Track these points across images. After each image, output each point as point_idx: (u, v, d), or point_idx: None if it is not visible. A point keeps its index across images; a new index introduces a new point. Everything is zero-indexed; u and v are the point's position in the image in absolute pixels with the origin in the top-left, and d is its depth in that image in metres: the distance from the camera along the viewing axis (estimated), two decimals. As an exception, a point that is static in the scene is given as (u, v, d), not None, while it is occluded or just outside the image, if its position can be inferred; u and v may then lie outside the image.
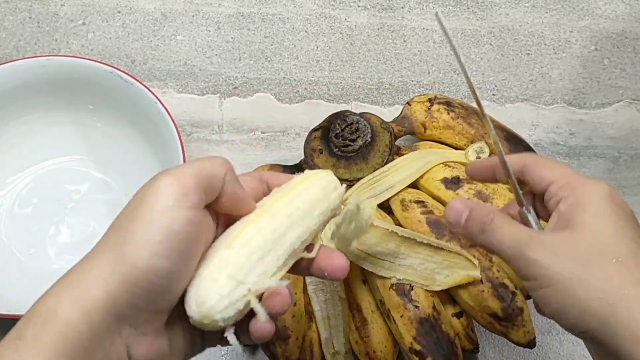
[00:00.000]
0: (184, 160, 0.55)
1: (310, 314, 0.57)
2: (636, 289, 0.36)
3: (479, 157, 0.59)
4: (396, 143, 0.61)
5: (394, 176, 0.57)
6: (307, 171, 0.43)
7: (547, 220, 0.42)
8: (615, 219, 0.39)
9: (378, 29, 0.72)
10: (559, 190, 0.41)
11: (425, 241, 0.54)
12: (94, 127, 0.64)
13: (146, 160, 0.62)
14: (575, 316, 0.37)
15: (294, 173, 0.59)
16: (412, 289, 0.54)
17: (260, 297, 0.37)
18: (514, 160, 0.44)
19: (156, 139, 0.59)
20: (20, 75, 0.59)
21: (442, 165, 0.58)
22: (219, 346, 0.61)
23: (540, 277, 0.38)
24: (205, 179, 0.36)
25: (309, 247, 0.41)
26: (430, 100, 0.62)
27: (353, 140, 0.58)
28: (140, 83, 0.58)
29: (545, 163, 0.43)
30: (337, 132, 0.58)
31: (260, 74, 0.70)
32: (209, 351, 0.58)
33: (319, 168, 0.58)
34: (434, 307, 0.54)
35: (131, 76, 0.58)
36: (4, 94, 0.60)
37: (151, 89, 0.58)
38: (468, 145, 0.60)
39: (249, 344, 0.60)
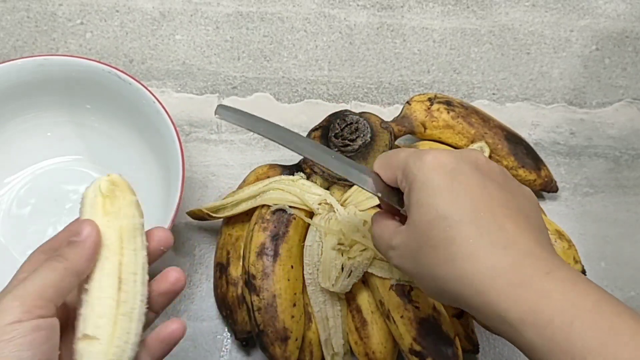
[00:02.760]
0: (183, 161, 0.55)
1: (309, 315, 0.56)
2: (469, 263, 0.38)
3: (479, 157, 0.59)
4: (396, 143, 0.60)
5: (394, 176, 0.57)
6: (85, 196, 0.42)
7: None
8: (441, 195, 0.40)
9: (377, 28, 0.72)
10: (401, 183, 0.43)
11: (425, 241, 0.54)
12: (92, 126, 0.64)
13: (145, 160, 0.62)
14: (436, 297, 0.42)
15: (292, 173, 0.59)
16: (412, 290, 0.53)
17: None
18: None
19: (155, 138, 0.59)
20: (17, 75, 0.59)
21: (442, 165, 0.58)
22: (217, 347, 0.60)
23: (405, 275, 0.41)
24: (50, 290, 0.38)
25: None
26: (430, 99, 0.61)
27: (353, 140, 0.58)
28: (139, 82, 0.58)
29: (389, 157, 0.44)
30: (337, 131, 0.58)
31: (259, 74, 0.70)
32: (206, 352, 0.58)
33: (318, 167, 0.58)
34: (434, 308, 0.53)
35: (129, 75, 0.58)
36: (1, 94, 0.59)
37: (150, 88, 0.58)
38: (468, 145, 0.60)
39: (243, 339, 0.60)
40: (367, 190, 0.44)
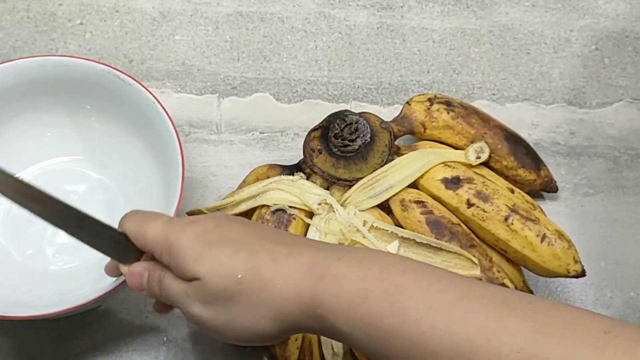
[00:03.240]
0: (183, 162, 0.55)
1: (309, 315, 0.56)
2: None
3: (479, 157, 0.59)
4: (396, 143, 0.60)
5: (394, 176, 0.57)
6: None
7: None
8: (210, 255, 0.41)
9: (377, 28, 0.72)
10: (161, 257, 0.43)
11: (425, 241, 0.54)
12: (92, 127, 0.63)
13: (145, 161, 0.62)
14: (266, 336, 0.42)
15: (292, 173, 0.59)
16: (412, 290, 0.53)
17: None
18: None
19: (155, 139, 0.59)
20: (17, 76, 0.59)
21: (442, 165, 0.58)
22: (214, 348, 0.60)
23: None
24: None
25: None
26: (429, 99, 0.61)
27: (352, 140, 0.58)
28: (139, 83, 0.57)
29: (144, 231, 0.44)
30: (337, 132, 0.58)
31: (259, 74, 0.70)
32: (203, 353, 0.58)
33: (318, 168, 0.58)
34: (434, 308, 0.53)
35: (129, 76, 0.58)
36: (1, 94, 0.59)
37: (149, 89, 0.58)
38: (468, 145, 0.60)
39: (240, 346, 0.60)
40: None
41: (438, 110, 0.61)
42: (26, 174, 0.63)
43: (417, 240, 0.54)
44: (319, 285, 0.39)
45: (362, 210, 0.56)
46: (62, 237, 0.61)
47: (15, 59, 0.58)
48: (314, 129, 0.59)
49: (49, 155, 0.64)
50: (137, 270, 0.45)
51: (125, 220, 0.45)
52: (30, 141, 0.63)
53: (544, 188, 0.63)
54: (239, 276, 0.40)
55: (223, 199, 0.60)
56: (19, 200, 0.42)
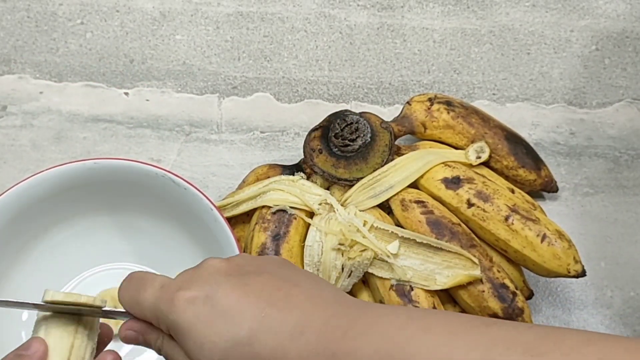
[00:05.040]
0: None
1: (309, 315, 0.56)
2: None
3: (479, 157, 0.59)
4: (396, 143, 0.60)
5: (394, 176, 0.57)
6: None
7: None
8: (218, 325, 0.38)
9: (378, 28, 0.72)
10: (159, 325, 0.41)
11: (425, 241, 0.54)
12: (143, 230, 0.61)
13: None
14: None
15: (293, 173, 0.59)
16: (412, 290, 0.53)
17: None
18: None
19: (211, 245, 0.56)
20: (67, 180, 0.56)
21: (442, 165, 0.58)
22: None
23: None
24: None
25: None
26: (430, 99, 0.61)
27: (353, 140, 0.58)
28: (195, 188, 0.54)
29: (138, 300, 0.41)
30: (337, 131, 0.58)
31: (260, 74, 0.70)
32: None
33: (318, 168, 0.58)
34: (434, 308, 0.53)
35: (185, 180, 0.54)
36: (51, 199, 0.57)
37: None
38: (468, 145, 0.60)
39: None
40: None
41: (438, 110, 0.61)
42: (76, 282, 0.61)
43: (418, 240, 0.54)
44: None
45: (363, 210, 0.56)
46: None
47: (63, 164, 0.55)
48: (315, 129, 0.59)
49: (98, 260, 0.61)
50: (130, 334, 0.43)
51: (120, 292, 0.43)
52: (78, 246, 0.61)
53: (544, 188, 0.63)
54: None
55: (223, 198, 0.60)
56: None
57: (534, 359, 0.33)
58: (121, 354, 0.56)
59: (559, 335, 0.35)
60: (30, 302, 0.43)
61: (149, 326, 0.42)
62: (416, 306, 0.53)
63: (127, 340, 0.43)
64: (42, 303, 0.42)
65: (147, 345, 0.43)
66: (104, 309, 0.43)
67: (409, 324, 0.37)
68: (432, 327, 0.36)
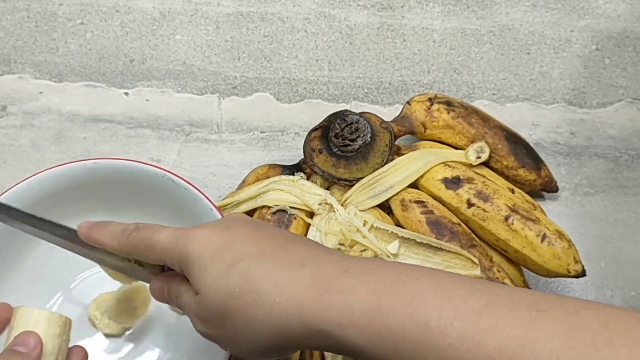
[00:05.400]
0: None
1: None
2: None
3: (479, 157, 0.59)
4: (396, 143, 0.60)
5: (394, 176, 0.57)
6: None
7: None
8: (225, 249, 0.40)
9: (378, 28, 0.72)
10: (171, 264, 0.42)
11: (425, 241, 0.54)
12: None
13: None
14: (257, 353, 0.41)
15: (293, 173, 0.59)
16: (412, 290, 0.53)
17: None
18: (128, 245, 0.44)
19: None
20: (67, 179, 0.56)
21: (442, 165, 0.58)
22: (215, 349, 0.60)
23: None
24: None
25: None
26: (430, 99, 0.61)
27: (353, 140, 0.58)
28: (194, 187, 0.54)
29: (151, 243, 0.43)
30: (337, 131, 0.58)
31: (260, 74, 0.70)
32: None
33: (318, 168, 0.58)
34: (434, 308, 0.53)
35: (185, 180, 0.54)
36: (50, 199, 0.56)
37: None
38: (468, 145, 0.60)
39: None
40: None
41: (438, 110, 0.61)
42: (77, 282, 0.61)
43: (417, 240, 0.54)
44: (322, 301, 0.37)
45: (363, 210, 0.56)
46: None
47: (64, 164, 0.55)
48: (315, 129, 0.59)
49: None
50: (157, 285, 0.44)
51: (132, 238, 0.44)
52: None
53: (544, 188, 0.63)
54: (236, 290, 0.38)
55: (223, 198, 0.60)
56: (41, 233, 0.46)
57: (539, 314, 0.34)
58: (121, 354, 0.57)
59: (559, 297, 0.35)
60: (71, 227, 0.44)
61: (175, 274, 0.43)
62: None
63: (156, 293, 0.45)
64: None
65: (169, 296, 0.44)
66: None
67: (408, 274, 0.38)
68: (436, 277, 0.37)
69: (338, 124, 0.58)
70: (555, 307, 0.34)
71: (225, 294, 0.39)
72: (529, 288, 0.59)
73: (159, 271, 0.46)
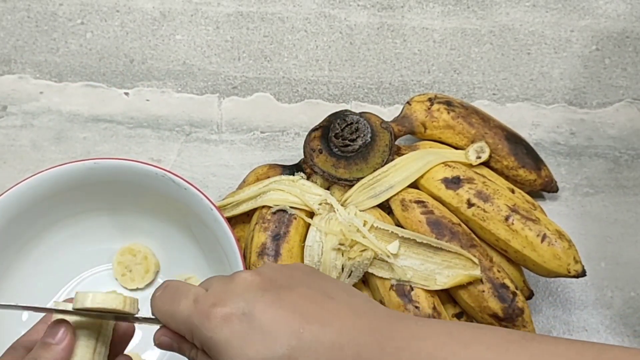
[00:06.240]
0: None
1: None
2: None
3: (480, 157, 0.59)
4: (396, 143, 0.60)
5: (394, 176, 0.57)
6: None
7: None
8: (256, 339, 0.38)
9: (378, 28, 0.72)
10: (191, 339, 0.40)
11: (425, 241, 0.54)
12: (142, 230, 0.61)
13: (199, 266, 0.60)
14: None
15: (293, 173, 0.59)
16: (413, 290, 0.53)
17: None
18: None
19: (212, 245, 0.56)
20: (67, 179, 0.56)
21: (443, 165, 0.58)
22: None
23: None
24: None
25: None
26: (430, 99, 0.61)
27: (353, 140, 0.58)
28: (195, 187, 0.54)
29: (172, 312, 0.41)
30: (337, 131, 0.58)
31: (260, 74, 0.70)
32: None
33: (318, 168, 0.58)
34: (434, 308, 0.53)
35: (185, 180, 0.54)
36: (50, 198, 0.56)
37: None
38: (468, 145, 0.60)
39: None
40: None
41: (438, 110, 0.61)
42: (75, 283, 0.61)
43: (418, 240, 0.54)
44: None
45: (363, 210, 0.56)
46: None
47: (64, 163, 0.55)
48: (315, 129, 0.59)
49: (98, 261, 0.62)
50: (164, 341, 0.42)
51: (154, 302, 0.42)
52: (78, 248, 0.61)
53: (544, 188, 0.63)
54: None
55: (223, 198, 0.60)
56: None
57: None
58: (127, 349, 0.57)
59: (598, 350, 0.35)
60: (59, 308, 0.42)
61: (183, 338, 0.41)
62: (416, 306, 0.53)
63: (162, 346, 0.42)
64: (72, 310, 0.41)
65: (182, 353, 0.42)
66: (136, 316, 0.42)
67: (447, 339, 0.37)
68: (472, 343, 0.37)
69: (338, 124, 0.58)
70: None
71: None
72: (529, 288, 0.59)
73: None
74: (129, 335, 0.45)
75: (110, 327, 0.44)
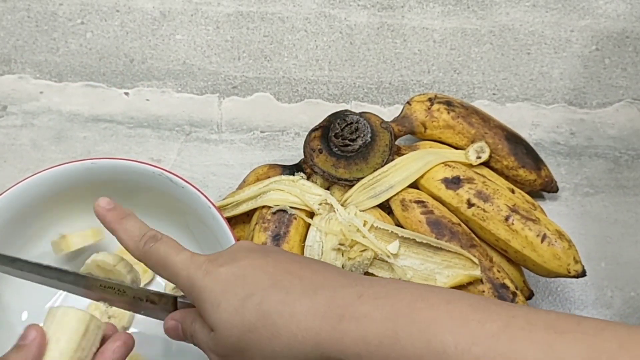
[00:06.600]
0: None
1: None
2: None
3: (480, 157, 0.59)
4: (396, 143, 0.60)
5: (394, 176, 0.57)
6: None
7: None
8: (235, 283, 0.40)
9: (378, 28, 0.72)
10: (186, 294, 0.43)
11: (425, 241, 0.54)
12: None
13: None
14: None
15: (293, 173, 0.59)
16: (412, 290, 0.53)
17: None
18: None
19: (211, 243, 0.56)
20: (65, 180, 0.56)
21: (442, 165, 0.58)
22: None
23: None
24: None
25: None
26: (430, 99, 0.61)
27: (353, 140, 0.58)
28: (192, 186, 0.54)
29: (167, 263, 0.43)
30: (337, 131, 0.58)
31: (260, 73, 0.70)
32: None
33: (318, 168, 0.58)
34: (434, 308, 0.53)
35: (182, 178, 0.54)
36: (48, 199, 0.56)
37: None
38: (468, 145, 0.60)
39: None
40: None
41: (438, 110, 0.61)
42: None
43: (418, 240, 0.54)
44: (339, 329, 0.37)
45: (363, 210, 0.56)
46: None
47: (62, 164, 0.55)
48: (315, 129, 0.59)
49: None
50: (170, 324, 0.44)
51: (152, 244, 0.44)
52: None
53: (544, 188, 0.63)
54: (252, 324, 0.38)
55: (223, 198, 0.60)
56: (48, 281, 0.47)
57: (557, 336, 0.34)
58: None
59: (576, 318, 0.35)
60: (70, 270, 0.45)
61: (188, 311, 0.43)
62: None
63: (171, 333, 0.45)
64: (85, 274, 0.44)
65: (184, 334, 0.44)
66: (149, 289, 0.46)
67: (424, 298, 0.37)
68: (452, 301, 0.37)
69: (338, 124, 0.58)
70: (573, 329, 0.34)
71: (241, 328, 0.39)
72: (529, 288, 0.59)
73: (171, 308, 0.46)
74: (130, 345, 0.46)
75: (101, 326, 0.45)
